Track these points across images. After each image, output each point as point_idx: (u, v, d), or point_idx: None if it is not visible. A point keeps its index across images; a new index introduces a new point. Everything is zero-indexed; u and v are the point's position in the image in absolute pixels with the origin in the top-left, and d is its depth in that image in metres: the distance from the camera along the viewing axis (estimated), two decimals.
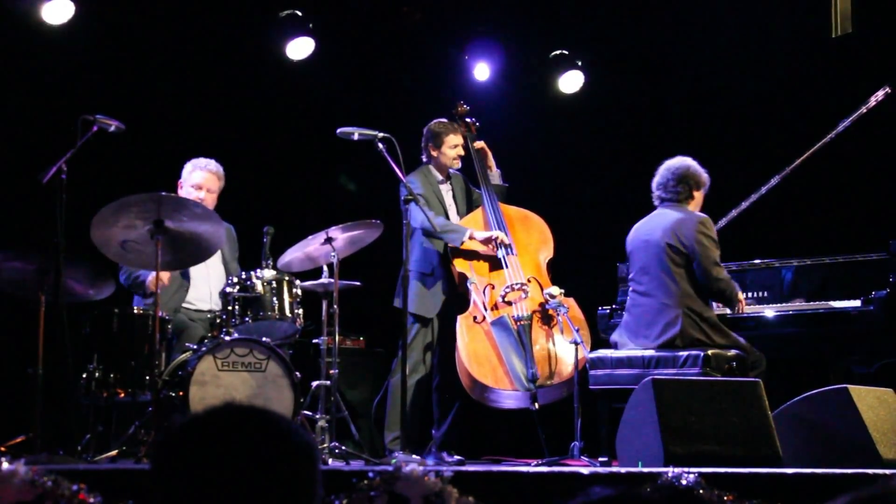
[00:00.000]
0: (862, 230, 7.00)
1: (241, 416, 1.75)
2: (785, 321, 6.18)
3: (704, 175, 5.94)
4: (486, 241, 6.48)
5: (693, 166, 5.91)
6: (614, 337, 5.95)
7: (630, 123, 8.30)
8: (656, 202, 5.96)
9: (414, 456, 5.66)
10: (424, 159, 6.78)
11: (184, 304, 6.10)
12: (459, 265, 6.50)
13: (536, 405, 6.01)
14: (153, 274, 5.47)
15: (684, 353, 5.50)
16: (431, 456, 6.36)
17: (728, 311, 6.02)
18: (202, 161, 6.24)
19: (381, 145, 5.90)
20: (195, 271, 6.12)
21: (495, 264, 6.53)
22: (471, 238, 6.45)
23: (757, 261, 6.48)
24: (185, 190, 6.14)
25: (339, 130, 6.01)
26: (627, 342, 5.81)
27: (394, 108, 7.93)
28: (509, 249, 6.52)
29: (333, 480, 3.59)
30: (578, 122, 8.27)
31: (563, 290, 6.04)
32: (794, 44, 7.64)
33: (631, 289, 5.94)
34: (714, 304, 5.96)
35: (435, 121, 6.77)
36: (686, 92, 8.10)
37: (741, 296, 5.92)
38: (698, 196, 5.94)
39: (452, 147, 6.69)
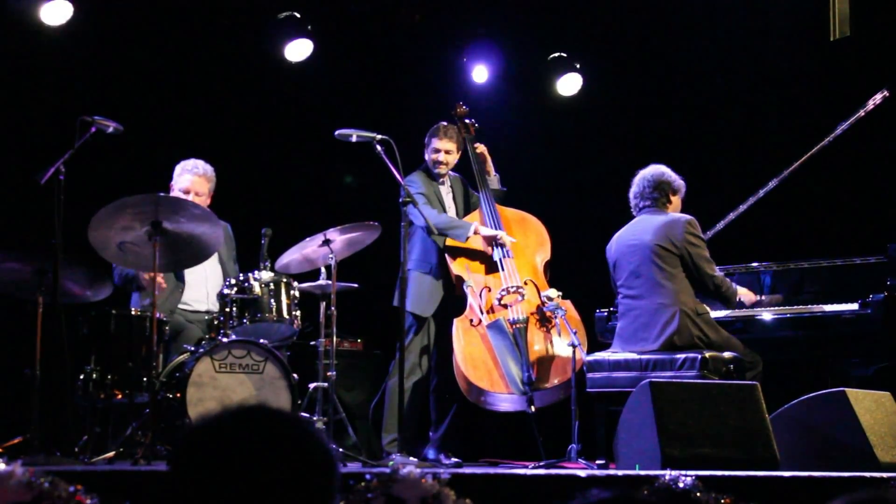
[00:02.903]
0: (860, 233, 7.00)
1: (266, 419, 1.72)
2: (783, 324, 6.18)
3: (679, 180, 6.04)
4: (490, 239, 6.48)
5: (667, 172, 6.02)
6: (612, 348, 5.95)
7: (628, 126, 8.30)
8: (635, 211, 6.05)
9: (411, 458, 5.66)
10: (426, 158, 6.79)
11: (180, 305, 6.10)
12: (456, 267, 6.50)
13: (533, 408, 6.00)
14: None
15: (682, 356, 5.50)
16: (429, 457, 6.36)
17: (726, 310, 6.06)
18: (190, 163, 6.20)
19: (379, 147, 5.90)
20: (191, 272, 6.11)
21: (492, 267, 6.53)
22: (475, 233, 6.45)
23: (755, 264, 6.48)
24: (175, 193, 6.09)
25: (337, 132, 6.00)
26: (621, 351, 5.82)
27: (392, 110, 7.93)
28: (506, 252, 6.52)
29: None
30: (576, 124, 8.27)
31: (560, 293, 6.04)
32: (793, 47, 7.64)
33: (622, 295, 5.95)
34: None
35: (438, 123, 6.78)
36: (684, 95, 8.10)
37: (743, 291, 5.97)
38: (676, 201, 6.03)
39: (434, 151, 6.68)
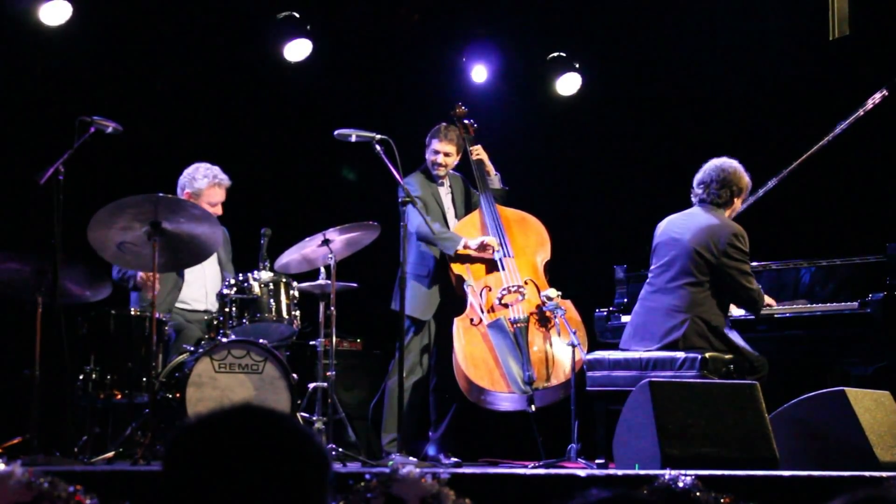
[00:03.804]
0: (859, 233, 7.00)
1: (256, 418, 1.73)
2: (782, 323, 6.17)
3: (747, 179, 5.81)
4: (480, 248, 6.45)
5: (740, 170, 5.77)
6: (623, 338, 5.90)
7: (627, 126, 8.30)
8: (694, 199, 5.83)
9: (411, 458, 5.66)
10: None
11: (179, 305, 6.10)
12: (456, 268, 6.50)
13: (533, 407, 6.00)
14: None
15: (682, 356, 5.47)
16: (429, 457, 6.36)
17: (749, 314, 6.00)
18: (217, 176, 6.13)
19: (378, 147, 5.89)
20: (190, 272, 6.10)
21: (492, 266, 6.52)
22: (465, 248, 6.43)
23: (754, 263, 6.46)
24: (203, 205, 5.85)
25: (336, 132, 6.00)
26: (630, 345, 5.78)
27: (391, 110, 7.93)
28: (506, 252, 6.52)
29: None
30: (576, 124, 8.26)
31: (560, 293, 6.03)
32: (792, 46, 7.63)
33: (648, 280, 5.87)
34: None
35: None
36: (683, 94, 8.09)
37: (768, 300, 5.93)
38: (738, 203, 5.84)
39: (434, 153, 6.67)
